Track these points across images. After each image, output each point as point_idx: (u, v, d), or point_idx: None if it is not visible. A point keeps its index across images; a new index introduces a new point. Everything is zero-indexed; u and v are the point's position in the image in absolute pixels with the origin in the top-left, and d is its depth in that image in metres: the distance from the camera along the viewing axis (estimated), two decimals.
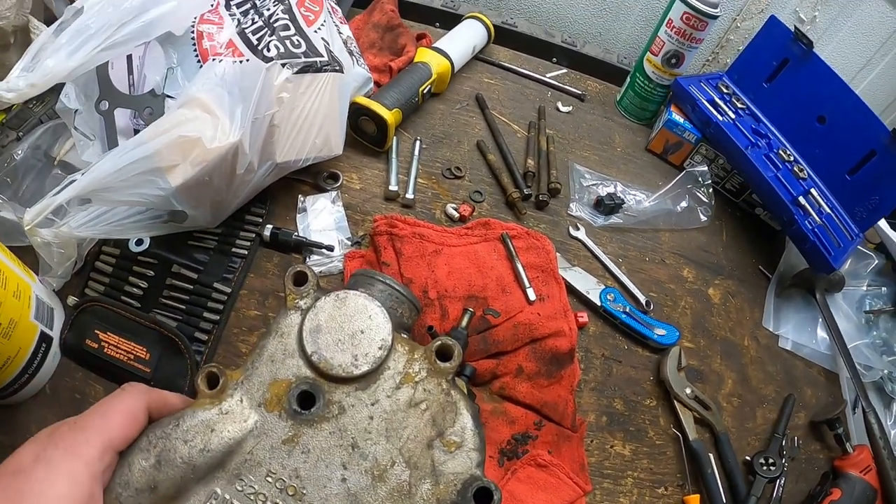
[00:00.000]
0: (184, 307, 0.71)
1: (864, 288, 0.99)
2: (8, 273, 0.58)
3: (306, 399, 0.43)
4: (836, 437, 0.81)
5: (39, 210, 0.61)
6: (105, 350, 0.66)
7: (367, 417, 0.43)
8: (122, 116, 0.73)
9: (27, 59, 0.63)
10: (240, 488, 0.41)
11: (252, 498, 0.41)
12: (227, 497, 0.40)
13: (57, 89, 0.71)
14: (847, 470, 0.78)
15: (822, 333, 0.93)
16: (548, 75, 1.03)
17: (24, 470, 0.34)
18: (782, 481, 0.78)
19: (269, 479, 0.41)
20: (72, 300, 0.69)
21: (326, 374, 0.43)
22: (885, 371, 0.91)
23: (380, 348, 0.44)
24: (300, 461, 0.42)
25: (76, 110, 0.72)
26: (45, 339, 0.64)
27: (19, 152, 0.76)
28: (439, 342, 0.45)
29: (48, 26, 0.67)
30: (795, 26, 0.91)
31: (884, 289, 0.99)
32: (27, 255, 0.65)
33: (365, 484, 0.41)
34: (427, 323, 0.70)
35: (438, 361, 0.45)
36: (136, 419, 0.40)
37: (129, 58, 0.74)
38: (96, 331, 0.67)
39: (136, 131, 0.73)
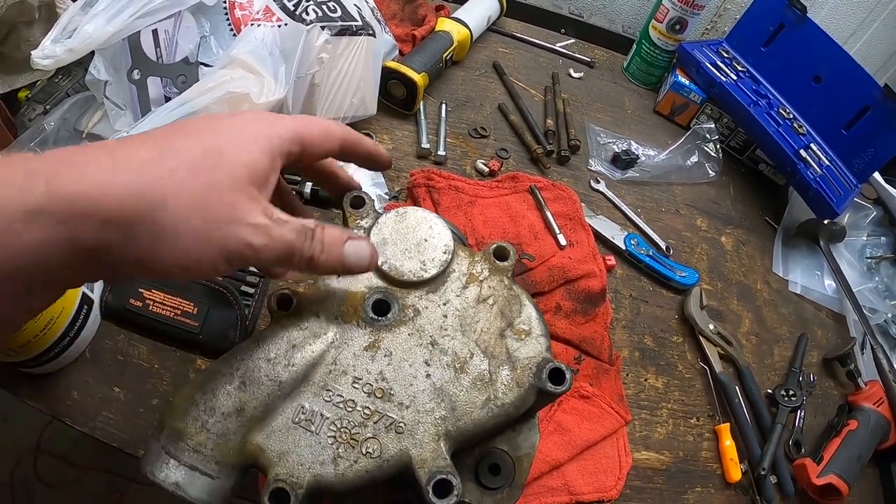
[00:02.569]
0: None
1: (865, 238, 1.05)
2: None
3: (381, 306, 0.45)
4: (848, 373, 0.86)
5: None
6: (150, 308, 0.66)
7: (442, 316, 0.45)
8: (153, 86, 0.75)
9: (58, 31, 0.65)
10: (327, 399, 0.41)
11: (341, 406, 0.41)
12: (316, 409, 0.41)
13: (83, 63, 0.72)
14: (861, 403, 0.82)
15: (828, 279, 0.98)
16: (558, 45, 1.08)
17: (218, 115, 0.35)
18: (802, 413, 0.82)
19: (356, 386, 0.42)
20: None
21: (398, 280, 0.45)
22: (889, 315, 0.96)
23: (444, 252, 0.46)
24: (384, 364, 0.43)
25: (106, 81, 0.73)
26: (86, 301, 0.64)
27: (51, 123, 0.76)
28: (495, 245, 0.48)
29: (74, 1, 0.69)
30: None
31: (883, 238, 1.05)
32: None
33: (449, 377, 0.43)
34: None
35: (497, 261, 0.48)
36: (331, 134, 0.39)
37: (155, 32, 0.76)
38: (140, 289, 0.67)
39: (168, 99, 0.75)
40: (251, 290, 0.71)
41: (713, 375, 0.79)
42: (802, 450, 0.80)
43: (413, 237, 0.47)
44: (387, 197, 0.80)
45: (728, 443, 0.75)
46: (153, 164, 0.29)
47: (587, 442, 0.68)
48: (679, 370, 0.79)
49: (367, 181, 0.81)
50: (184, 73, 0.76)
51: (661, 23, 1.01)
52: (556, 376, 0.44)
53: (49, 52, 0.63)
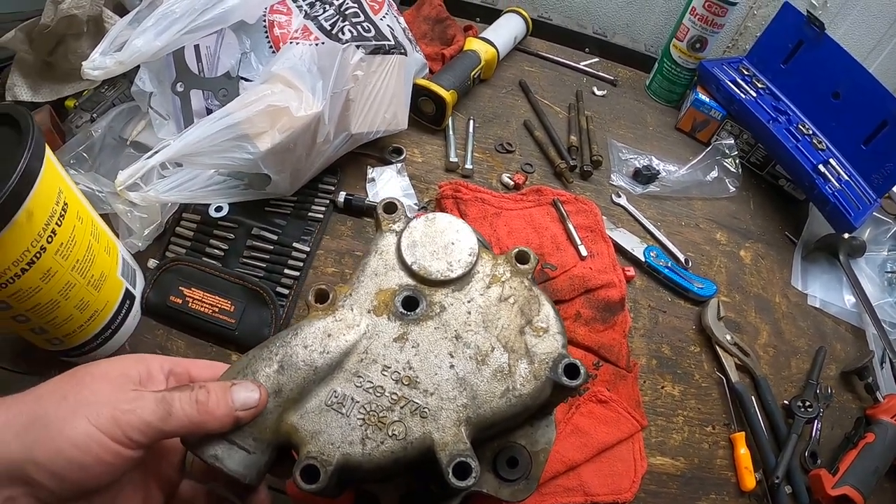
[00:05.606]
0: (264, 265, 0.77)
1: (886, 253, 1.06)
2: (100, 230, 0.63)
3: (410, 302, 0.49)
4: (867, 386, 0.87)
5: (132, 172, 0.67)
6: (189, 304, 0.72)
7: (466, 313, 0.49)
8: (196, 98, 0.80)
9: (106, 44, 0.69)
10: (358, 384, 0.45)
11: (371, 391, 0.45)
12: (347, 393, 0.44)
13: (128, 75, 0.77)
14: (879, 417, 0.83)
15: (847, 294, 0.99)
16: (582, 64, 1.12)
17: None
18: (819, 425, 0.83)
19: (385, 373, 0.46)
20: (153, 262, 0.75)
21: (426, 279, 0.49)
22: None
23: (469, 255, 0.50)
24: (411, 354, 0.46)
25: (151, 93, 0.79)
26: (128, 297, 0.69)
27: (98, 130, 0.81)
28: (517, 249, 0.52)
29: (121, 17, 0.73)
30: (808, 10, 1.00)
31: None
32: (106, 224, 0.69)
33: (471, 368, 0.47)
34: None
35: (518, 264, 0.51)
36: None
37: (197, 47, 0.80)
38: (180, 287, 0.73)
39: (209, 111, 0.80)
40: (286, 291, 0.76)
41: (729, 385, 0.81)
42: (819, 461, 0.81)
43: (441, 240, 0.51)
44: (416, 207, 0.84)
45: (743, 451, 0.77)
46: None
47: (603, 445, 0.71)
48: (696, 379, 0.82)
49: (399, 192, 0.86)
50: (225, 87, 0.81)
51: (682, 41, 1.04)
52: (571, 371, 0.47)
53: (99, 63, 0.67)
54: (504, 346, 0.48)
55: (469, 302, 0.49)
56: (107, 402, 0.35)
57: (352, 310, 0.48)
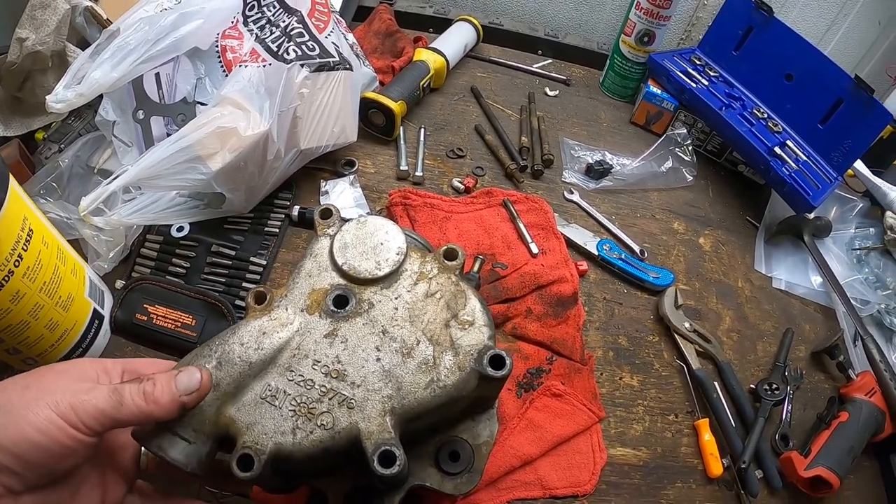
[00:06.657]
0: (224, 280, 0.79)
1: (853, 230, 1.05)
2: (66, 254, 0.66)
3: (340, 300, 0.51)
4: (839, 365, 0.86)
5: (94, 197, 0.70)
6: (154, 321, 0.74)
7: (393, 308, 0.51)
8: (156, 124, 0.83)
9: (69, 77, 0.72)
10: (290, 378, 0.47)
11: (302, 384, 0.47)
12: (280, 387, 0.47)
13: (93, 106, 0.80)
14: (853, 394, 0.82)
15: (814, 274, 0.98)
16: (534, 66, 1.14)
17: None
18: (789, 407, 0.83)
19: (316, 367, 0.48)
20: (120, 283, 0.77)
21: (356, 278, 0.51)
22: (882, 305, 0.96)
23: (397, 254, 0.52)
24: (340, 349, 0.49)
25: (114, 121, 0.82)
26: (97, 317, 0.71)
27: (65, 160, 0.84)
28: (446, 247, 0.54)
29: (83, 50, 0.76)
30: None
31: (871, 229, 1.05)
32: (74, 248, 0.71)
33: (397, 361, 0.49)
34: None
35: (446, 261, 0.53)
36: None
37: (157, 75, 0.83)
38: (145, 305, 0.75)
39: (169, 136, 0.83)
40: (243, 304, 0.77)
41: (690, 372, 0.81)
42: (791, 444, 0.80)
43: (371, 241, 0.53)
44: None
45: (707, 438, 0.77)
46: None
47: (559, 438, 0.72)
48: (655, 368, 0.82)
49: (351, 203, 0.88)
50: (183, 112, 0.84)
51: (630, 36, 1.06)
52: (496, 362, 0.48)
53: (61, 97, 0.70)
54: (429, 340, 0.50)
55: (396, 298, 0.51)
56: (66, 392, 0.39)
57: (286, 309, 0.50)
